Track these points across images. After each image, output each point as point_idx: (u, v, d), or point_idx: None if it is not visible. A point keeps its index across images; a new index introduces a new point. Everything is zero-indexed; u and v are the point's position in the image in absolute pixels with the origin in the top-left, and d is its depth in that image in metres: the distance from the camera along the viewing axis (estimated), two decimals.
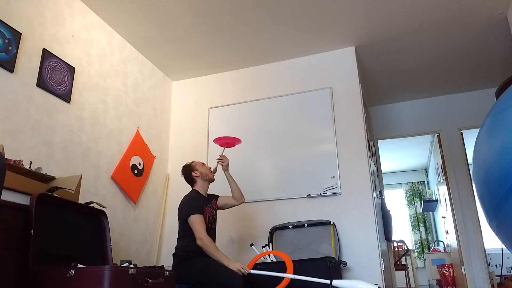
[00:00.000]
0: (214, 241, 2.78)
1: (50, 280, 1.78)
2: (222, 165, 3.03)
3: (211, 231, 2.78)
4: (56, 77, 2.91)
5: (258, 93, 4.17)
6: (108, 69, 3.53)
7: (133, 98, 3.83)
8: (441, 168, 5.17)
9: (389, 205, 4.56)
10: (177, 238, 2.73)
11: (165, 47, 3.93)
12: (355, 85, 3.87)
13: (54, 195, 2.13)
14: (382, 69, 4.47)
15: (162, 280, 2.01)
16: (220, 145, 3.38)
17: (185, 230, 2.68)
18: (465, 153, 4.92)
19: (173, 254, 2.65)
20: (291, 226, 3.51)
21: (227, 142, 3.30)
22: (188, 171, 2.89)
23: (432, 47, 4.04)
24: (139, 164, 3.71)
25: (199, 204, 2.70)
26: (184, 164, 2.99)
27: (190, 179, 2.89)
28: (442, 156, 5.03)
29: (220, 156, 3.06)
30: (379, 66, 4.41)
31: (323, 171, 3.67)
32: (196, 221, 2.59)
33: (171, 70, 4.37)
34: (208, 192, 2.95)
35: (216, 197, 3.02)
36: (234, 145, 3.34)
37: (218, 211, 3.01)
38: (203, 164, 3.02)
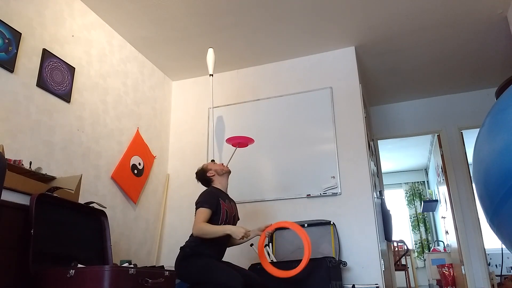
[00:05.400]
0: (232, 241, 2.67)
1: (50, 280, 1.78)
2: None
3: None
4: (56, 77, 2.91)
5: (258, 93, 4.17)
6: (108, 69, 3.53)
7: (133, 98, 3.83)
8: (441, 168, 5.17)
9: (389, 205, 4.56)
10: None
11: (165, 47, 3.93)
12: (355, 85, 3.87)
13: (54, 195, 2.13)
14: (382, 69, 4.47)
15: (162, 280, 2.01)
16: (232, 145, 3.36)
17: None
18: (465, 153, 4.92)
19: (181, 247, 2.61)
20: None
21: (239, 142, 3.26)
22: (202, 175, 2.81)
23: (432, 47, 4.04)
24: (139, 164, 3.71)
25: (214, 199, 2.61)
26: (196, 170, 2.88)
27: (206, 181, 2.82)
28: (442, 156, 5.03)
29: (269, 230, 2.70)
30: (379, 66, 4.41)
31: (323, 171, 3.67)
32: (199, 213, 2.50)
33: (171, 70, 4.37)
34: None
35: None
36: (247, 145, 3.29)
37: None
38: (213, 161, 3.01)
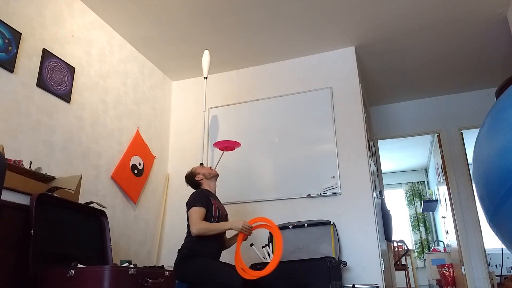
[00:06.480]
0: (225, 242, 2.74)
1: (50, 280, 1.78)
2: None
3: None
4: (56, 77, 2.91)
5: (258, 93, 4.17)
6: (108, 69, 3.53)
7: (133, 98, 3.83)
8: (441, 168, 5.17)
9: (389, 205, 4.56)
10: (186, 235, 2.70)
11: (165, 47, 3.93)
12: (355, 85, 3.87)
13: (54, 195, 2.13)
14: (382, 69, 4.47)
15: (162, 280, 2.01)
16: (219, 149, 3.39)
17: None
18: (465, 153, 4.92)
19: (178, 250, 2.62)
20: (291, 226, 3.51)
21: (226, 146, 3.30)
22: (191, 178, 2.87)
23: (432, 47, 4.04)
24: (139, 164, 3.71)
25: (204, 197, 2.66)
26: (185, 174, 2.95)
27: (195, 185, 2.88)
28: (442, 156, 5.03)
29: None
30: (379, 66, 4.41)
31: (323, 171, 3.67)
32: (194, 212, 2.54)
33: (171, 70, 4.37)
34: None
35: None
36: (234, 149, 3.33)
37: None
38: (202, 165, 3.05)
